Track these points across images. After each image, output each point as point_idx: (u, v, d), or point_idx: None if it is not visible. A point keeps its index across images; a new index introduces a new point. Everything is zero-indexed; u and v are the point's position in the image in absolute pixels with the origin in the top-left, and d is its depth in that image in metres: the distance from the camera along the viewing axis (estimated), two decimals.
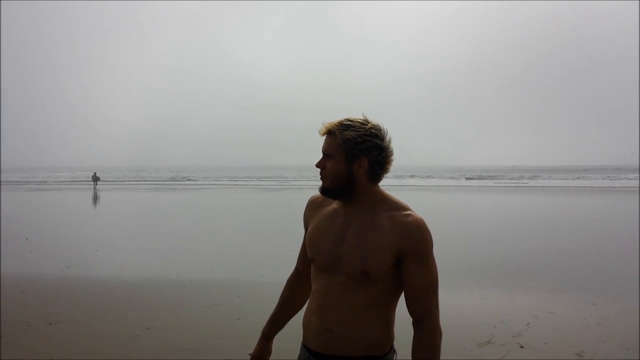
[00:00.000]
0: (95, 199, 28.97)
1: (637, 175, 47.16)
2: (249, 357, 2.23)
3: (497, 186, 42.21)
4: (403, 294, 1.91)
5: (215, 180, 54.31)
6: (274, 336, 2.21)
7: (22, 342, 5.10)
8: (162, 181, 54.70)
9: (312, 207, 2.08)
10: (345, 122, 1.88)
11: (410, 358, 1.87)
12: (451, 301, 5.73)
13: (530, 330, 5.50)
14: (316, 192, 2.10)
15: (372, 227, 1.87)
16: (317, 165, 1.93)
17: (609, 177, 52.54)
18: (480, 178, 54.09)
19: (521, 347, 5.03)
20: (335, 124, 1.89)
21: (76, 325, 5.69)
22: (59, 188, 41.30)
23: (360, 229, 1.88)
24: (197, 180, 56.00)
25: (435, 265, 1.89)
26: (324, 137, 1.92)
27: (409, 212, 1.88)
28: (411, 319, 1.89)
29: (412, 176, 54.79)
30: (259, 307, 6.28)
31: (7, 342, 5.09)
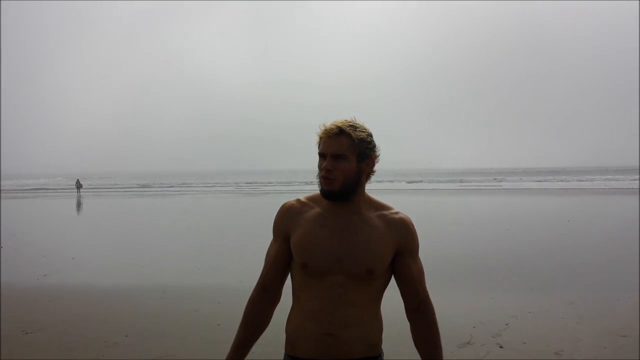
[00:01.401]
0: (79, 205, 28.66)
1: (617, 176, 48.14)
2: None
3: (470, 188, 42.58)
4: (397, 286, 1.99)
5: (190, 186, 53.97)
6: None
7: None
8: (138, 187, 54.19)
9: (291, 214, 1.99)
10: (351, 124, 1.89)
11: (414, 348, 1.99)
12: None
13: (510, 330, 5.55)
14: (286, 200, 2.06)
15: (369, 227, 1.91)
16: (327, 167, 1.87)
17: (586, 179, 53.50)
18: (450, 181, 54.58)
19: (500, 347, 5.07)
20: (344, 125, 1.88)
21: (53, 334, 5.60)
22: (36, 195, 40.71)
23: (357, 229, 1.90)
24: (173, 185, 55.60)
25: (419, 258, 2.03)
26: (327, 138, 1.89)
27: (396, 211, 1.99)
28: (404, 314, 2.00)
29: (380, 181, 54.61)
30: (239, 312, 6.22)
31: None
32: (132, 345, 5.22)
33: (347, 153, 1.87)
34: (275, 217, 2.03)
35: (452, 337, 5.21)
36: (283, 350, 2.01)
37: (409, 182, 54.01)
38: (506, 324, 5.75)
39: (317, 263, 1.89)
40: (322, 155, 1.91)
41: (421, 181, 56.22)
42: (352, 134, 1.86)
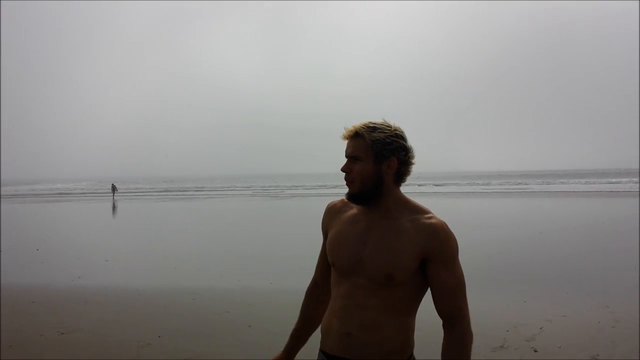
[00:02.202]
0: (114, 208, 29.21)
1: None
2: None
3: (496, 191, 42.02)
4: (431, 296, 1.88)
5: (216, 190, 54.45)
6: (296, 352, 2.16)
7: (34, 352, 5.10)
8: (168, 191, 54.92)
9: (332, 213, 2.05)
10: (370, 125, 1.87)
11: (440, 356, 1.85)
12: None
13: (544, 334, 5.46)
14: (334, 199, 2.11)
15: (396, 231, 1.85)
16: (343, 169, 1.90)
17: (610, 181, 52.39)
18: (483, 184, 53.90)
19: (535, 351, 4.99)
20: (361, 126, 1.87)
21: (88, 334, 5.70)
22: (70, 199, 41.53)
23: (384, 233, 1.87)
24: (203, 189, 56.18)
25: (461, 268, 1.88)
26: (346, 141, 1.91)
27: (431, 214, 1.89)
28: (438, 323, 1.88)
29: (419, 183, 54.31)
30: (269, 314, 6.28)
31: (19, 352, 5.10)
32: (165, 345, 5.28)
33: (362, 154, 1.86)
34: (323, 216, 2.09)
35: (485, 341, 5.15)
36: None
37: (436, 185, 53.49)
38: (540, 328, 5.66)
39: (342, 263, 1.91)
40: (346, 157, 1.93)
41: (446, 184, 55.65)
42: (367, 135, 1.85)
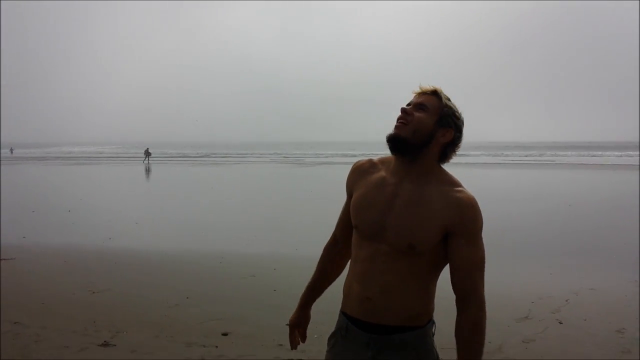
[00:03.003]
0: (148, 172, 29.68)
1: None
2: (287, 326, 2.24)
3: (518, 162, 41.38)
4: (449, 269, 1.86)
5: (243, 156, 54.77)
6: (312, 304, 2.21)
7: (67, 310, 5.26)
8: (198, 156, 55.40)
9: (358, 173, 2.01)
10: (447, 95, 1.90)
11: (454, 334, 1.83)
12: (488, 276, 5.67)
13: (569, 307, 5.43)
14: (361, 159, 2.08)
15: (422, 200, 1.82)
16: (405, 110, 1.87)
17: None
18: (505, 155, 53.13)
19: (560, 322, 4.97)
20: (441, 90, 1.89)
21: (117, 294, 5.85)
22: (100, 162, 42.21)
23: (410, 201, 1.83)
24: (230, 155, 56.55)
25: (483, 245, 1.85)
26: (419, 95, 1.90)
27: (461, 188, 1.85)
28: (454, 297, 1.85)
29: None
30: (294, 279, 6.31)
31: (52, 310, 5.26)
32: (193, 306, 5.39)
33: (430, 107, 1.85)
34: (347, 175, 2.05)
35: (509, 311, 5.15)
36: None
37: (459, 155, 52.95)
38: (566, 300, 5.62)
39: (365, 227, 1.89)
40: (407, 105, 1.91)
41: (466, 155, 55.04)
42: (443, 97, 1.87)
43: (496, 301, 5.36)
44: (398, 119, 1.87)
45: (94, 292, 5.86)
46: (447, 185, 1.85)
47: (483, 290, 1.83)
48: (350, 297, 1.94)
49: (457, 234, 1.80)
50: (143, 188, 21.37)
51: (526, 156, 51.79)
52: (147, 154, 42.35)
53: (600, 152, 55.16)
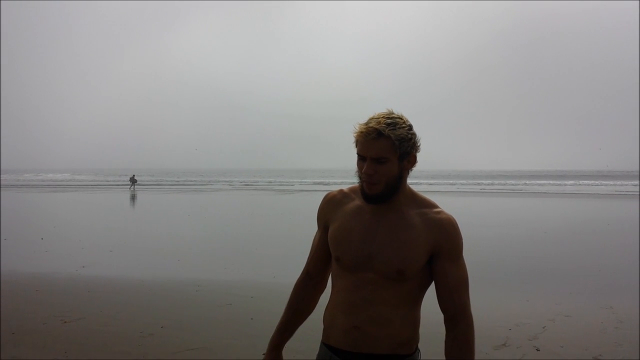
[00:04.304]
0: (134, 199, 29.30)
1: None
2: (263, 357, 2.18)
3: (495, 191, 41.88)
4: (435, 291, 1.87)
5: (223, 183, 54.47)
6: (284, 346, 2.10)
7: (37, 341, 5.12)
8: (174, 184, 55.00)
9: (332, 205, 1.99)
10: (388, 121, 1.77)
11: (442, 358, 1.83)
12: None
13: (546, 334, 5.45)
14: (331, 190, 2.07)
15: (405, 225, 1.83)
16: (367, 172, 1.79)
17: (615, 183, 52.27)
18: (472, 184, 53.70)
19: (537, 350, 4.98)
20: (381, 125, 1.75)
21: (91, 323, 5.71)
22: (77, 189, 41.62)
23: (393, 227, 1.83)
24: (207, 182, 56.22)
25: (465, 264, 1.87)
26: (365, 141, 1.78)
27: (439, 209, 1.87)
28: (442, 318, 1.86)
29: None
30: (272, 307, 6.27)
31: (22, 340, 5.12)
32: (168, 336, 5.29)
33: (389, 156, 1.77)
34: (319, 207, 2.04)
35: (487, 339, 5.15)
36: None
37: (430, 184, 53.22)
38: (543, 327, 5.65)
39: (349, 258, 1.87)
40: (361, 157, 1.81)
41: (442, 183, 55.24)
42: (392, 135, 1.74)
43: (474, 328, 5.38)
44: (364, 181, 1.83)
45: (65, 322, 5.73)
46: (425, 207, 1.87)
47: (470, 308, 1.85)
48: (335, 327, 1.91)
49: (442, 254, 1.82)
50: (119, 215, 21.08)
51: (497, 185, 52.35)
52: (133, 181, 41.86)
53: (564, 182, 56.22)
